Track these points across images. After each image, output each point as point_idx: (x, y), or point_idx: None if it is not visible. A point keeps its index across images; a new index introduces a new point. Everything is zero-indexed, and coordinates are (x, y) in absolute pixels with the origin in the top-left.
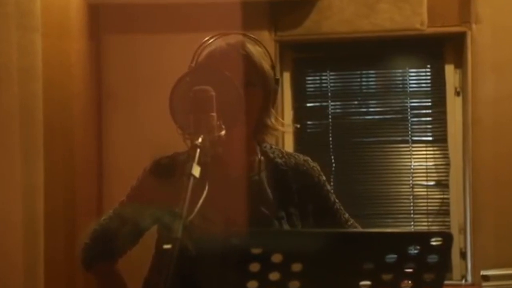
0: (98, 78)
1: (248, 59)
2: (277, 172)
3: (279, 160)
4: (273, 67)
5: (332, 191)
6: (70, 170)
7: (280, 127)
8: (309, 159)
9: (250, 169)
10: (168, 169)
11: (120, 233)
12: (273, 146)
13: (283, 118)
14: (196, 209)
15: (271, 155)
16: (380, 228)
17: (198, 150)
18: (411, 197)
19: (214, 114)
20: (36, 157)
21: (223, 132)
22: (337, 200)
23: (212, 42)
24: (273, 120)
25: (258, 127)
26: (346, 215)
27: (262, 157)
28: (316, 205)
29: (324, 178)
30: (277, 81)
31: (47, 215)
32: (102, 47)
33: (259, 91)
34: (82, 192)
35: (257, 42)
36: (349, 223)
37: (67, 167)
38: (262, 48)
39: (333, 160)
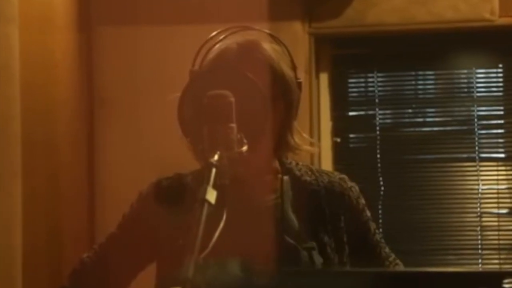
0: (89, 80)
1: (266, 64)
2: (306, 193)
3: (307, 179)
4: (294, 68)
5: (372, 218)
6: (55, 194)
7: (306, 146)
8: (346, 178)
9: (269, 191)
10: (170, 193)
11: (108, 273)
12: (300, 163)
13: (319, 130)
14: (211, 243)
15: (297, 173)
16: (440, 266)
17: (214, 170)
18: (478, 228)
19: (233, 125)
20: (13, 178)
21: (244, 148)
22: (378, 231)
23: (218, 41)
24: (296, 139)
25: (278, 145)
26: (387, 250)
27: (285, 176)
28: (352, 234)
29: (363, 202)
30: (299, 85)
31: (26, 251)
32: (94, 42)
33: (279, 103)
34: (70, 222)
35: (274, 38)
36: (389, 259)
37: (51, 190)
38: (281, 46)
39: (381, 182)
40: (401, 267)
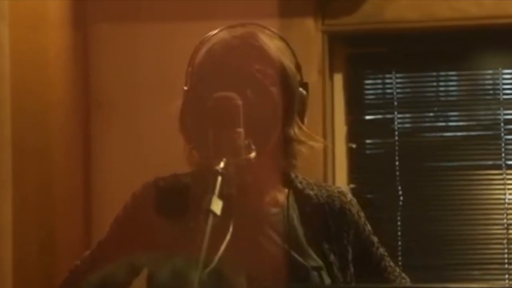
0: (85, 81)
1: (261, 52)
2: (310, 208)
3: (310, 192)
4: (298, 68)
5: (372, 231)
6: (48, 203)
7: (306, 139)
8: (344, 191)
9: (273, 204)
10: (167, 195)
11: (96, 283)
12: (299, 176)
13: (333, 135)
14: (217, 257)
15: (299, 186)
16: (464, 282)
17: (220, 179)
18: (505, 241)
19: (241, 130)
20: (2, 186)
21: (252, 155)
22: (379, 244)
23: (213, 36)
24: (296, 130)
25: (278, 142)
26: (392, 263)
27: (288, 189)
28: (355, 250)
29: (363, 214)
30: (305, 86)
31: (17, 263)
32: (91, 40)
33: (278, 93)
34: (64, 233)
35: (276, 35)
36: (395, 273)
37: (44, 199)
38: (283, 42)
39: (400, 191)
40: (407, 282)
